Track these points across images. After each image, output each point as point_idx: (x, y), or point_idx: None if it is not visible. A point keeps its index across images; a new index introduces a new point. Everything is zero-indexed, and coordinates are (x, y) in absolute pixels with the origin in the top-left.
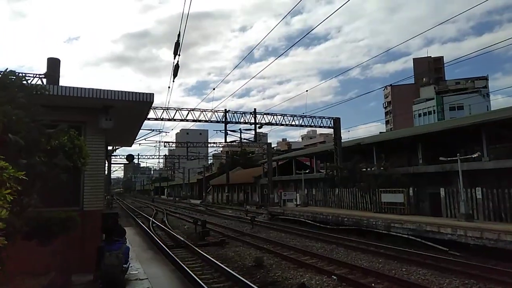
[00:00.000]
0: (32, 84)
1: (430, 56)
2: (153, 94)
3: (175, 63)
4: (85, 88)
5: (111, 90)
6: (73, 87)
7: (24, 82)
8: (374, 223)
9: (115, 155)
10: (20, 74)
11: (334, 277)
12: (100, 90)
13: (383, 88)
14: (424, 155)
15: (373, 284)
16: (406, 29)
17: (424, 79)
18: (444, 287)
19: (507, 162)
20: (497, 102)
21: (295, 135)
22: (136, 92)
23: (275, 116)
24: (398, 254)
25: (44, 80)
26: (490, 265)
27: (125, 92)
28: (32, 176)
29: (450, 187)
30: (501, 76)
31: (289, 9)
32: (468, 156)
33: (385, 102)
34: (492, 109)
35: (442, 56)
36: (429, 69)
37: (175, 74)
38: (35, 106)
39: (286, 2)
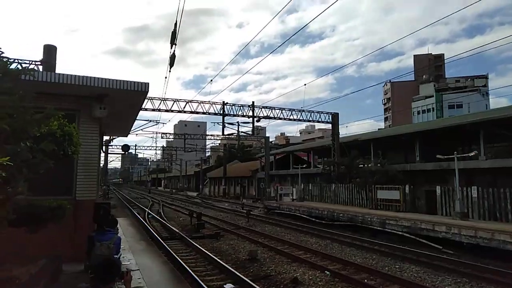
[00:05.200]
0: (19, 68)
1: (431, 53)
2: (149, 83)
3: (171, 53)
4: (79, 76)
5: (106, 78)
6: (67, 74)
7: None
8: (369, 219)
9: (112, 145)
10: (13, 60)
11: (327, 272)
12: (95, 78)
13: (383, 84)
14: (422, 153)
15: (365, 280)
16: (400, 29)
17: (424, 76)
18: (437, 285)
19: (504, 161)
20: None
21: (293, 130)
22: (131, 81)
23: (273, 110)
24: (392, 251)
25: (40, 67)
26: (483, 264)
27: (120, 80)
28: (18, 162)
29: (446, 185)
30: (494, 77)
31: (285, 7)
32: (465, 155)
33: (384, 99)
34: (491, 108)
35: (443, 54)
36: (429, 66)
37: (171, 64)
38: (23, 91)
39: (282, 0)
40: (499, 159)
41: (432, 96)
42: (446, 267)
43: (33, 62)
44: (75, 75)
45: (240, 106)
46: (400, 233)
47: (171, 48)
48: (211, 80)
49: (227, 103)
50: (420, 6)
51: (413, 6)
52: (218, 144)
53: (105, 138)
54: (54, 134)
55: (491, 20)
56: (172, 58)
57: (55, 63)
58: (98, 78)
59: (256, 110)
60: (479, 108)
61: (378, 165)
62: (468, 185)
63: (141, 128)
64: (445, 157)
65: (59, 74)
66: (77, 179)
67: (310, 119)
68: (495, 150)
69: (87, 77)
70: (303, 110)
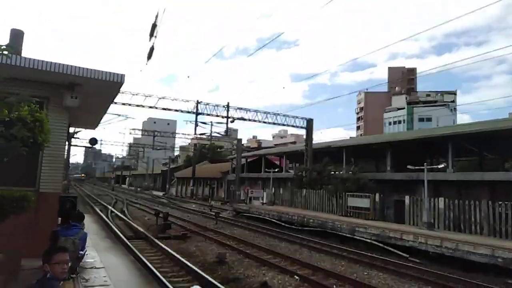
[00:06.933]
0: None
1: (404, 67)
2: (124, 75)
3: (150, 45)
4: (51, 62)
5: (79, 67)
6: (38, 60)
7: None
8: (339, 226)
9: (76, 138)
10: None
11: (297, 277)
12: (67, 65)
13: (357, 94)
14: (392, 163)
15: (334, 286)
16: (374, 42)
17: (397, 88)
18: None
19: (469, 175)
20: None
21: (265, 134)
22: (106, 71)
23: (248, 112)
24: (361, 258)
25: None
26: (447, 273)
27: (94, 70)
28: None
29: (415, 195)
30: (459, 94)
31: (261, 12)
32: (434, 166)
33: (357, 108)
34: (457, 123)
35: (415, 68)
36: (403, 79)
37: (149, 57)
38: None
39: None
40: (465, 172)
41: (404, 108)
42: (412, 275)
43: None
44: (47, 61)
45: (214, 106)
46: (369, 240)
47: (150, 40)
48: (188, 76)
49: (201, 101)
50: (393, 23)
51: (387, 23)
52: (188, 144)
53: (70, 129)
54: (25, 119)
55: (458, 40)
56: (151, 51)
57: (21, 49)
58: (71, 65)
59: (231, 111)
60: (447, 122)
61: (350, 172)
62: (435, 196)
63: (109, 122)
64: (415, 167)
65: (29, 58)
66: (42, 169)
67: (285, 123)
68: (461, 164)
69: (59, 64)
70: (278, 114)
